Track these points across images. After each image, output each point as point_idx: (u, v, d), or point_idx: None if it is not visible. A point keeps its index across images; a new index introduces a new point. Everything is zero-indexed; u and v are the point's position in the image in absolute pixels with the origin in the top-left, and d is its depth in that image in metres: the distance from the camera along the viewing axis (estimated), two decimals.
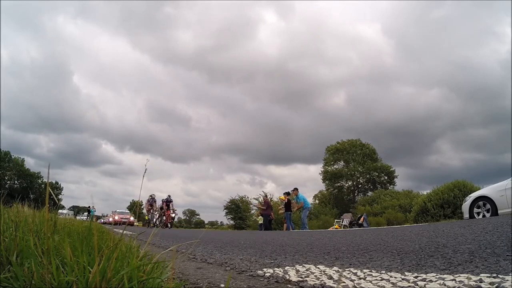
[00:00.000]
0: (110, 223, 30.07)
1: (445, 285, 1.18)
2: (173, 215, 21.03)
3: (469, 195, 8.75)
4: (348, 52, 62.56)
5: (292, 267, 1.70)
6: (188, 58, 74.80)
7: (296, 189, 13.67)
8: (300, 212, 13.30)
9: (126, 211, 34.45)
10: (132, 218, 29.15)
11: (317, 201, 36.17)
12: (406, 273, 1.41)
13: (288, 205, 14.03)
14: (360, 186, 38.21)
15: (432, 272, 1.39)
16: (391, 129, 51.66)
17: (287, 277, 1.44)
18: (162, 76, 77.69)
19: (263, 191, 24.23)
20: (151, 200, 20.97)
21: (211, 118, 68.72)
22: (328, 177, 37.59)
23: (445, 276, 1.30)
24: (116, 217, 29.57)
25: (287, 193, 15.06)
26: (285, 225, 14.55)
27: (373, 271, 1.53)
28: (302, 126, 57.58)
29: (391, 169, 36.77)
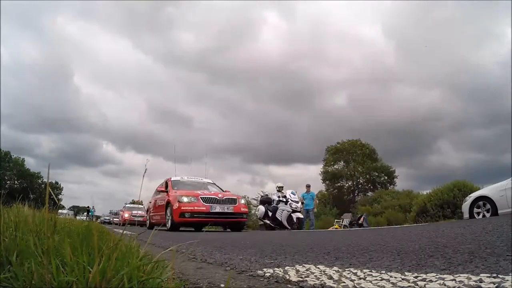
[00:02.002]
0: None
1: (445, 285, 1.18)
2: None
3: (469, 195, 8.76)
4: (349, 53, 62.47)
5: (292, 267, 1.70)
6: (189, 58, 74.65)
7: (308, 185, 13.76)
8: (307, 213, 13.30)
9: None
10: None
11: (317, 201, 36.19)
12: (406, 273, 1.41)
13: None
14: (360, 186, 38.23)
15: (432, 272, 1.39)
16: (392, 130, 51.62)
17: (287, 277, 1.44)
18: (163, 77, 77.63)
19: (262, 191, 23.44)
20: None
21: (212, 119, 68.66)
22: (328, 177, 37.62)
23: (445, 276, 1.30)
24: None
25: (293, 194, 15.13)
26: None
27: (373, 271, 1.53)
28: (303, 126, 57.53)
29: (391, 169, 36.80)
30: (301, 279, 1.40)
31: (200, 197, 8.37)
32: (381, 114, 51.35)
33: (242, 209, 8.93)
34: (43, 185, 50.07)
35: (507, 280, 1.16)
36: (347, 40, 63.73)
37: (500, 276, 1.23)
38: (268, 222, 11.57)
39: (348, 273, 1.49)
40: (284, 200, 11.47)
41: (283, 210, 11.19)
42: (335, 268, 1.66)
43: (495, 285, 1.12)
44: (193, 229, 9.12)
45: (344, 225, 17.50)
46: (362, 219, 17.79)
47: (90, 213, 25.17)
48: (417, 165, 51.17)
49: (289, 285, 1.32)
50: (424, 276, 1.33)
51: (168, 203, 8.69)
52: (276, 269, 1.67)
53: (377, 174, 37.13)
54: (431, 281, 1.24)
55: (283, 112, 60.34)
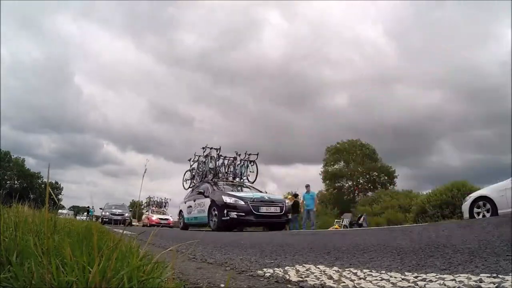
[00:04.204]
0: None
1: (445, 285, 1.18)
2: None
3: (469, 195, 8.76)
4: (350, 53, 62.47)
5: (292, 267, 1.70)
6: (191, 59, 74.54)
7: (308, 185, 13.81)
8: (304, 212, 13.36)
9: None
10: None
11: (317, 201, 36.19)
12: (406, 273, 1.41)
13: (294, 207, 14.07)
14: (360, 186, 38.22)
15: (432, 272, 1.40)
16: (392, 129, 51.64)
17: (287, 277, 1.44)
18: (165, 77, 77.57)
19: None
20: None
21: (213, 119, 68.60)
22: (328, 177, 37.63)
23: (445, 276, 1.30)
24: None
25: (295, 195, 15.05)
26: (286, 226, 14.55)
27: (373, 271, 1.53)
28: (304, 127, 57.55)
29: (391, 169, 36.81)
30: (301, 279, 1.40)
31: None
32: (381, 114, 51.34)
33: None
34: (43, 185, 50.07)
35: (507, 280, 1.16)
36: (348, 40, 63.81)
37: (500, 276, 1.23)
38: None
39: (348, 273, 1.49)
40: None
41: None
42: (335, 268, 1.66)
43: (495, 285, 1.12)
44: None
45: (344, 225, 17.49)
46: (362, 219, 17.80)
47: (90, 213, 24.76)
48: (417, 165, 51.18)
49: (289, 285, 1.32)
50: (424, 276, 1.33)
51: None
52: (276, 269, 1.67)
53: (377, 174, 37.15)
54: (431, 281, 1.24)
55: (284, 112, 60.36)
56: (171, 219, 21.19)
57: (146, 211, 24.73)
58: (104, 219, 18.15)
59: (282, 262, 1.96)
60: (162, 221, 19.93)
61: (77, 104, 71.70)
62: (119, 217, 18.22)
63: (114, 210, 19.64)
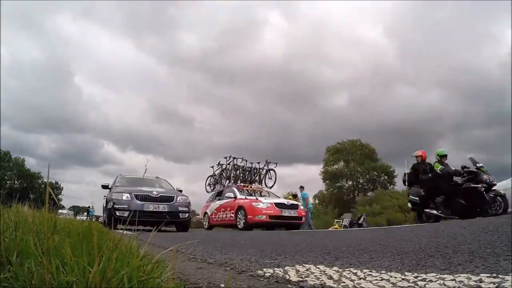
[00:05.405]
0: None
1: (445, 285, 1.18)
2: None
3: None
4: (350, 53, 62.49)
5: (292, 267, 1.70)
6: (191, 59, 74.48)
7: (301, 187, 13.92)
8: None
9: None
10: None
11: (317, 201, 36.18)
12: (406, 273, 1.41)
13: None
14: (360, 186, 38.25)
15: (432, 272, 1.40)
16: (392, 129, 51.66)
17: (287, 277, 1.44)
18: (165, 77, 77.58)
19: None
20: None
21: (214, 119, 68.68)
22: (328, 177, 37.65)
23: (445, 276, 1.30)
24: None
25: (295, 195, 15.13)
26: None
27: (373, 271, 1.53)
28: (304, 127, 57.60)
29: (391, 169, 36.82)
30: (301, 279, 1.40)
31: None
32: (381, 114, 51.44)
33: None
34: (43, 185, 50.01)
35: (507, 280, 1.16)
36: (348, 40, 63.91)
37: (500, 276, 1.23)
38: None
39: (348, 273, 1.49)
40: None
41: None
42: (335, 268, 1.66)
43: (495, 285, 1.12)
44: None
45: (344, 225, 17.50)
46: (362, 219, 17.82)
47: (90, 213, 24.54)
48: None
49: (289, 285, 1.32)
50: (424, 276, 1.33)
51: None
52: (276, 269, 1.67)
53: (377, 174, 37.18)
54: (431, 281, 1.24)
55: (284, 112, 60.40)
56: (302, 207, 10.46)
57: (218, 194, 11.65)
58: (116, 211, 7.50)
59: (282, 262, 1.96)
60: (286, 213, 9.24)
61: (77, 104, 71.63)
62: (162, 206, 7.78)
63: (142, 189, 8.13)
